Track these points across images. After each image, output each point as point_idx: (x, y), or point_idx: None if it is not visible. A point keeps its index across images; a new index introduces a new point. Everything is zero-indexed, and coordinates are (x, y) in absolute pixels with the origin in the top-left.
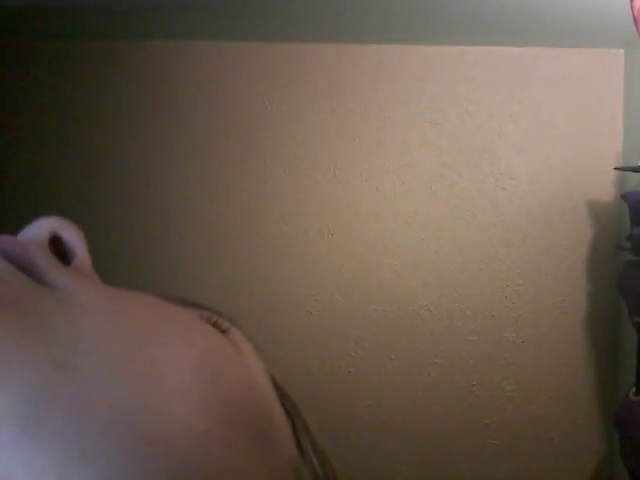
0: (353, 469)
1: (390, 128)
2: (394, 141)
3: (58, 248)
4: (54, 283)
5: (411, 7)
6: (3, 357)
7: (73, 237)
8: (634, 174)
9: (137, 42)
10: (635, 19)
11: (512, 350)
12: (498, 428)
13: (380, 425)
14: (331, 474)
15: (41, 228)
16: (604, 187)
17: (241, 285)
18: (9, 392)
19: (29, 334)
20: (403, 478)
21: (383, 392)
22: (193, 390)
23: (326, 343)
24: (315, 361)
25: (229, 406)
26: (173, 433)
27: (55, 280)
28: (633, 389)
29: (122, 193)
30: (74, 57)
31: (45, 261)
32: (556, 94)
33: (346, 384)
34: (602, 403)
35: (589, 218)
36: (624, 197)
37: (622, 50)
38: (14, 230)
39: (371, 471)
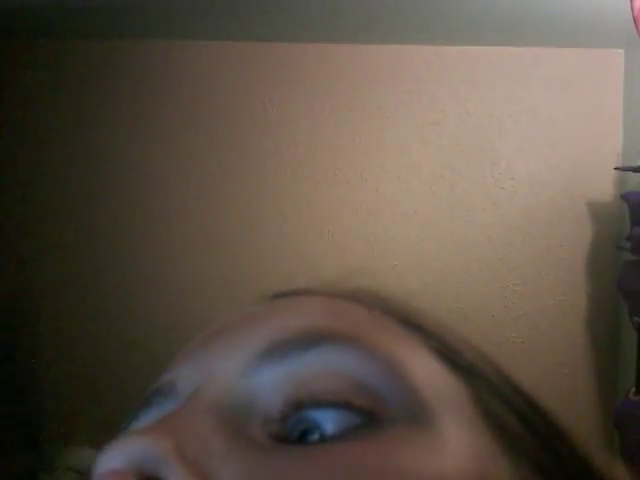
0: None
1: (390, 128)
2: (394, 141)
3: None
4: None
5: (411, 7)
6: None
7: None
8: (634, 174)
9: (137, 42)
10: (635, 19)
11: (512, 350)
12: None
13: None
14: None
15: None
16: (604, 187)
17: (241, 285)
18: None
19: None
20: None
21: None
22: None
23: None
24: None
25: None
26: None
27: None
28: (633, 389)
29: (122, 193)
30: (74, 57)
31: None
32: (556, 94)
33: None
34: (602, 403)
35: (589, 218)
36: (624, 197)
37: (622, 50)
38: (13, 230)
39: None
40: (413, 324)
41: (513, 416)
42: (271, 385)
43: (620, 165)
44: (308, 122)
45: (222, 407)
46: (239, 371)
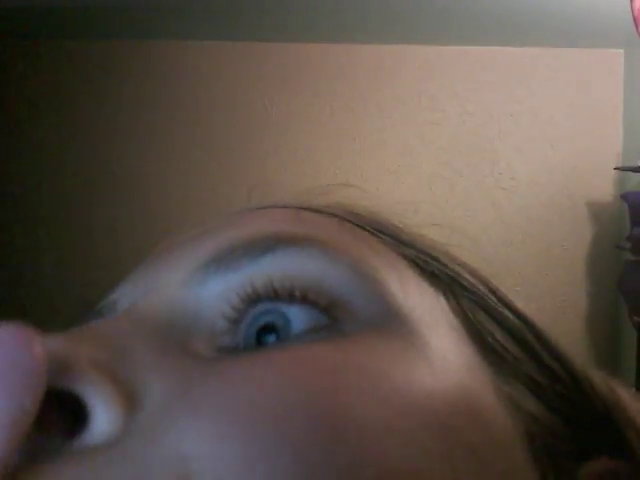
0: None
1: (390, 128)
2: (394, 141)
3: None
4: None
5: (411, 7)
6: None
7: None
8: (634, 174)
9: (137, 42)
10: (635, 19)
11: None
12: None
13: None
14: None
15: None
16: (604, 187)
17: None
18: None
19: None
20: None
21: None
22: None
23: None
24: None
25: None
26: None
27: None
28: (633, 389)
29: (123, 193)
30: (74, 57)
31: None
32: (556, 94)
33: None
34: None
35: (589, 218)
36: (624, 197)
37: (622, 50)
38: (13, 230)
39: None
40: (388, 235)
41: (501, 330)
42: (219, 296)
43: (620, 165)
44: (308, 122)
45: (159, 319)
46: (181, 283)
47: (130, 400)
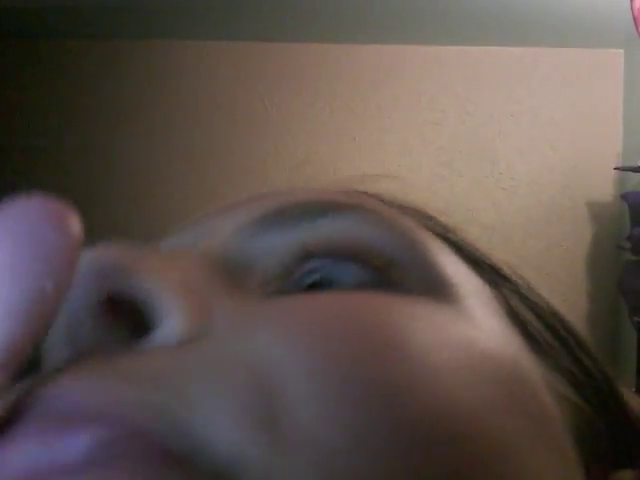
0: None
1: (390, 128)
2: (394, 141)
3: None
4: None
5: (411, 7)
6: None
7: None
8: (634, 174)
9: (137, 42)
10: (635, 19)
11: None
12: None
13: None
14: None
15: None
16: (604, 187)
17: None
18: None
19: None
20: None
21: None
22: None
23: None
24: None
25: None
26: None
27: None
28: (633, 389)
29: (122, 194)
30: (74, 57)
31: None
32: (556, 94)
33: None
34: None
35: (589, 218)
36: (624, 197)
37: (622, 50)
38: None
39: None
40: (433, 224)
41: (540, 323)
42: (272, 248)
43: (620, 165)
44: (308, 122)
45: (215, 259)
46: (234, 232)
47: (202, 311)
